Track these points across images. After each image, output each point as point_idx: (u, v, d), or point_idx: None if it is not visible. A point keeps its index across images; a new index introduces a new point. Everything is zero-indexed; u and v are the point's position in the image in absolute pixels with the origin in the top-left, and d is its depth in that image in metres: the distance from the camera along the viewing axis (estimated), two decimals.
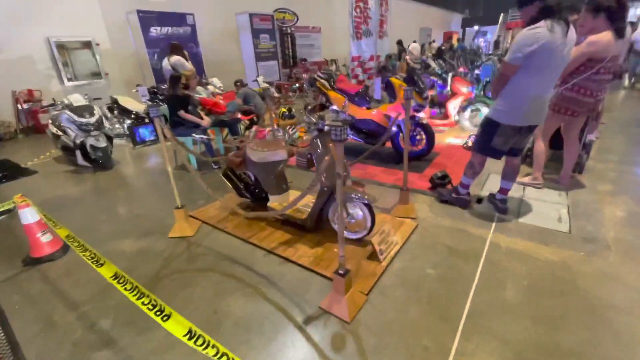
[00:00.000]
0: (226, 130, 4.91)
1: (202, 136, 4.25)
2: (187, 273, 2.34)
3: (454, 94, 5.36)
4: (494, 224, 2.71)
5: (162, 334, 1.83)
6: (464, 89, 5.16)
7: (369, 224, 2.42)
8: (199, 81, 6.98)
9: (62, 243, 2.76)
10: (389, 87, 3.92)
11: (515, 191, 3.22)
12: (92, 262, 1.55)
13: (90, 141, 4.57)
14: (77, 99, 4.65)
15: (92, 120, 4.56)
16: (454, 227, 2.71)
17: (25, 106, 7.24)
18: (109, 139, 4.84)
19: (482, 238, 2.53)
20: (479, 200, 3.07)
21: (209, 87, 7.01)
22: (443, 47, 8.75)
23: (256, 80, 8.02)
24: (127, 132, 6.00)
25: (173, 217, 2.87)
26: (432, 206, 3.07)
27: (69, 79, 8.13)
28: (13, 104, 7.19)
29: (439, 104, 5.68)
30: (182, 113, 4.26)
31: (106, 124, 6.33)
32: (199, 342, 1.24)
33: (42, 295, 2.23)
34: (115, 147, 5.70)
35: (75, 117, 4.50)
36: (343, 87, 4.34)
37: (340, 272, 1.85)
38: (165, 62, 5.98)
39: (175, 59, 5.87)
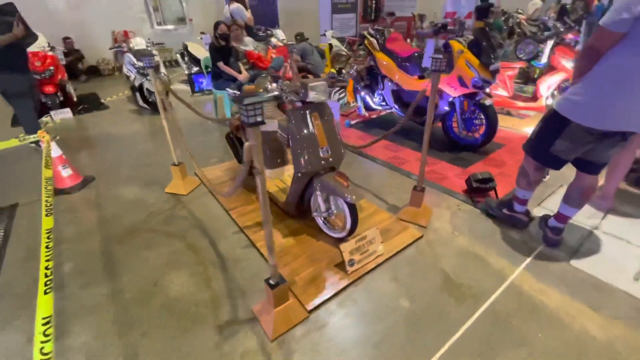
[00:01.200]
0: None
1: (234, 91, 4.08)
2: (156, 234, 2.30)
3: (552, 68, 4.02)
4: (528, 259, 1.97)
5: (103, 292, 1.83)
6: (568, 63, 3.80)
7: (348, 225, 1.98)
8: (265, 32, 6.75)
9: (82, 178, 3.01)
10: (446, 52, 3.06)
11: (588, 216, 2.30)
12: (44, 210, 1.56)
13: (146, 84, 4.85)
14: (139, 43, 4.89)
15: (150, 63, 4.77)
16: (469, 250, 2.07)
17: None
18: (164, 81, 5.07)
19: (502, 275, 1.87)
20: (528, 219, 2.28)
21: (272, 39, 6.72)
22: (568, 6, 6.62)
23: (324, 35, 7.42)
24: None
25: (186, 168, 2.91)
26: (456, 214, 2.41)
27: (158, 23, 8.78)
28: (112, 43, 8.11)
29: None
30: (220, 64, 4.12)
31: (183, 67, 6.73)
32: (48, 332, 1.09)
33: (62, 218, 2.45)
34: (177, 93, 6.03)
35: (135, 60, 4.77)
36: (394, 48, 3.57)
37: (271, 282, 1.52)
38: (226, 9, 5.84)
39: (235, 6, 5.67)
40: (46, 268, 1.24)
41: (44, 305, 1.10)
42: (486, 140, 3.21)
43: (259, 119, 1.06)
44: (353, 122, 4.23)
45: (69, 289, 1.87)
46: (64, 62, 6.45)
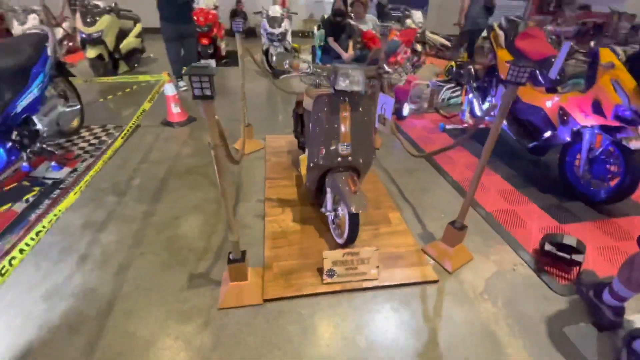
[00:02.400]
0: None
1: None
2: (204, 179, 2.61)
3: None
4: None
5: (142, 209, 2.24)
6: None
7: (345, 234, 1.78)
8: (403, 11, 6.34)
9: (187, 117, 3.64)
10: (592, 65, 2.19)
11: None
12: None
13: (271, 50, 5.34)
14: (274, 11, 5.34)
15: (277, 31, 5.21)
16: (489, 326, 1.57)
17: None
18: (286, 51, 5.47)
19: None
20: (615, 319, 1.56)
21: (407, 20, 6.25)
22: None
23: (457, 24, 6.45)
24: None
25: (267, 132, 3.23)
26: (503, 276, 1.84)
27: None
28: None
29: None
30: (330, 39, 4.14)
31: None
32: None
33: (145, 144, 3.11)
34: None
35: (267, 26, 5.27)
36: (524, 47, 2.77)
37: (230, 256, 1.54)
38: None
39: None
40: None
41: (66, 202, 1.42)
42: (618, 197, 2.26)
43: (207, 92, 1.02)
44: (449, 127, 3.64)
45: (126, 198, 2.36)
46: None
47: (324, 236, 2.01)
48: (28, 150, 2.45)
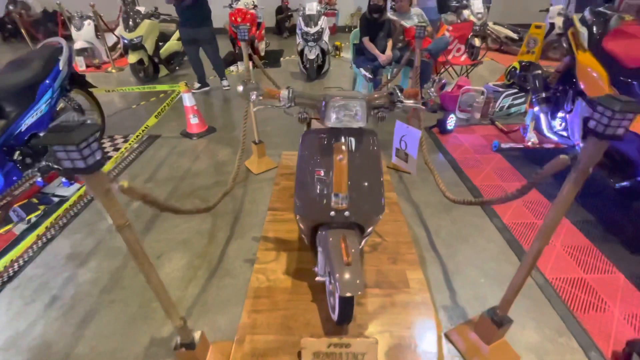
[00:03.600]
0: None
1: (365, 74, 3.55)
2: (203, 204, 2.35)
3: None
4: None
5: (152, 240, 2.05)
6: None
7: (335, 317, 1.35)
8: (460, 1, 5.50)
9: (206, 128, 3.45)
10: None
11: None
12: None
13: (305, 50, 4.97)
14: (311, 8, 4.93)
15: (312, 30, 4.81)
16: None
17: None
18: (322, 52, 5.06)
19: None
20: None
21: (465, 11, 5.41)
22: None
23: (546, 10, 5.42)
24: None
25: (287, 146, 2.99)
26: None
27: None
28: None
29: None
30: (365, 39, 3.63)
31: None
32: None
33: (158, 159, 2.97)
34: (336, 63, 5.98)
35: (302, 25, 4.90)
36: (617, 49, 2.00)
37: (178, 340, 1.21)
38: None
39: None
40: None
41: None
42: None
43: (79, 164, 0.67)
44: (506, 145, 2.94)
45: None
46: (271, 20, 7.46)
47: (317, 300, 1.61)
48: (35, 167, 2.42)
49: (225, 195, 1.90)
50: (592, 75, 2.14)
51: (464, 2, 5.46)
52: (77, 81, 2.85)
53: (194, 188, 2.55)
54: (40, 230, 1.86)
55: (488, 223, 2.14)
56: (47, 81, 2.40)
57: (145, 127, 2.44)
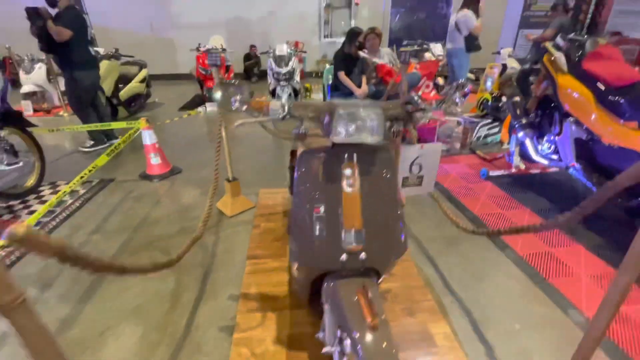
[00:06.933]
0: None
1: None
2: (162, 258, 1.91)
3: None
4: None
5: (63, 313, 1.54)
6: None
7: None
8: (421, 45, 5.85)
9: (169, 168, 3.05)
10: None
11: None
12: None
13: (278, 89, 4.88)
14: (281, 49, 4.95)
15: (283, 70, 4.78)
16: None
17: None
18: (295, 92, 5.01)
19: None
20: None
21: (426, 54, 5.74)
22: None
23: (497, 53, 5.90)
24: None
25: (264, 184, 2.70)
26: None
27: (325, 36, 9.22)
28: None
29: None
30: (340, 74, 3.60)
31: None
32: None
33: (108, 206, 2.49)
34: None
35: (274, 65, 4.86)
36: (598, 70, 2.03)
37: None
38: (452, 18, 5.16)
39: (462, 14, 4.84)
40: None
41: None
42: None
43: None
44: (495, 173, 2.84)
45: (49, 292, 1.67)
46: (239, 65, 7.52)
47: None
48: None
49: (195, 242, 1.50)
50: (575, 95, 2.13)
51: (424, 46, 5.85)
52: (11, 119, 2.42)
53: (153, 238, 2.10)
54: None
55: (501, 256, 1.90)
56: None
57: (94, 167, 2.02)
